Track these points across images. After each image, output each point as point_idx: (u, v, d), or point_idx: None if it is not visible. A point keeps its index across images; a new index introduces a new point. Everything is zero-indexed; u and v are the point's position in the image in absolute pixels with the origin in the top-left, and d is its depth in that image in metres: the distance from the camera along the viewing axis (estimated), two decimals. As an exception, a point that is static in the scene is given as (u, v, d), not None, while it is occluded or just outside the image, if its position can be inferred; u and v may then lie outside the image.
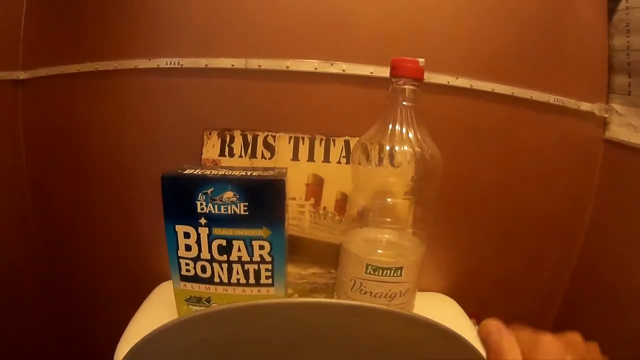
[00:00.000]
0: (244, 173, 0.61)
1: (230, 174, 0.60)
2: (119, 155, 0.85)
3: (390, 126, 0.62)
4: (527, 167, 0.87)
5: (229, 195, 0.59)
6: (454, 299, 0.89)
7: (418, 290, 0.76)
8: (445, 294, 0.90)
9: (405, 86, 0.60)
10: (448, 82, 0.78)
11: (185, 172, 0.61)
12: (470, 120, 0.82)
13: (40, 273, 0.97)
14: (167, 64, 0.78)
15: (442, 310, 0.83)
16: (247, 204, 0.59)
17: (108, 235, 0.91)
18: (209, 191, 0.59)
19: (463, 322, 0.80)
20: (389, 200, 0.66)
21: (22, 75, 0.87)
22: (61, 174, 0.90)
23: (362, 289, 0.64)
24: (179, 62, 0.78)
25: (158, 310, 0.75)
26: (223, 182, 0.59)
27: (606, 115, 0.86)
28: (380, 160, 0.63)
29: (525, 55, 0.82)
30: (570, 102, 0.84)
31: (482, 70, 0.80)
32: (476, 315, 0.87)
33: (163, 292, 0.82)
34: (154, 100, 0.81)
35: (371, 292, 0.64)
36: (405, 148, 0.61)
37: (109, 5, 0.80)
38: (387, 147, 0.62)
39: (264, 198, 0.60)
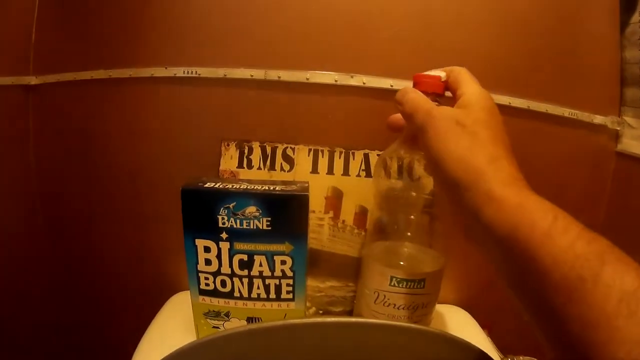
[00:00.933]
0: (267, 187, 0.60)
1: (253, 188, 0.59)
2: (133, 164, 0.85)
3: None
4: (540, 178, 0.85)
5: (251, 210, 0.58)
6: (467, 311, 0.89)
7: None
8: (458, 305, 0.91)
9: None
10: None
11: (206, 185, 0.60)
12: None
13: (51, 282, 0.96)
14: (184, 73, 0.78)
15: (455, 322, 0.83)
16: (270, 218, 0.59)
17: (121, 244, 0.90)
18: (231, 205, 0.58)
19: (476, 332, 0.80)
20: (411, 217, 0.66)
21: (33, 80, 0.86)
22: (72, 181, 0.90)
23: (385, 301, 0.64)
24: (196, 72, 0.77)
25: (173, 323, 0.74)
26: (246, 197, 0.58)
27: (618, 128, 0.86)
28: (400, 174, 0.63)
29: (540, 69, 0.82)
30: (584, 115, 0.85)
31: (499, 84, 0.80)
32: (489, 326, 0.87)
33: (177, 303, 0.82)
34: (170, 109, 0.81)
35: (394, 304, 0.64)
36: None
37: (123, 12, 0.80)
38: (407, 161, 0.62)
39: (287, 213, 0.59)
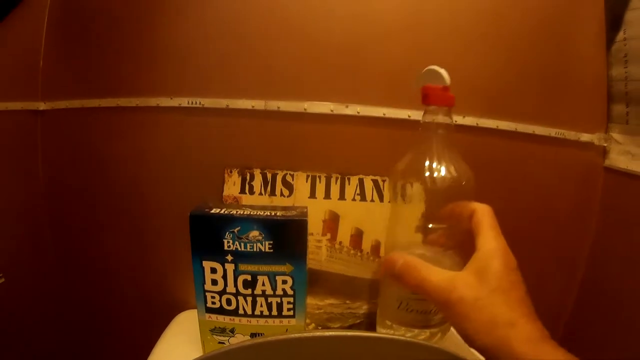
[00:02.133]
0: (268, 213, 0.65)
1: (256, 214, 0.64)
2: (139, 188, 0.89)
3: (424, 157, 0.63)
4: (531, 195, 0.91)
5: (254, 234, 0.63)
6: None
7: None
8: None
9: (439, 115, 0.62)
10: (456, 121, 0.82)
11: (212, 210, 0.64)
12: (475, 155, 0.86)
13: (58, 301, 1.00)
14: (188, 103, 0.82)
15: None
16: (272, 242, 0.63)
17: (128, 265, 0.94)
18: (235, 230, 0.63)
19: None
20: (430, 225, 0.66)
21: (42, 106, 0.90)
22: (80, 204, 0.94)
23: (408, 308, 0.65)
24: (200, 102, 0.82)
25: (180, 339, 0.78)
26: (249, 222, 0.63)
27: (605, 145, 0.90)
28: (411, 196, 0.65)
29: (528, 91, 0.86)
30: (571, 134, 0.89)
31: (488, 109, 0.84)
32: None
33: (183, 321, 0.86)
34: (175, 136, 0.85)
35: (417, 310, 0.65)
36: (443, 172, 0.62)
37: (129, 42, 0.85)
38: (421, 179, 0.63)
39: (287, 236, 0.63)
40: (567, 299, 0.99)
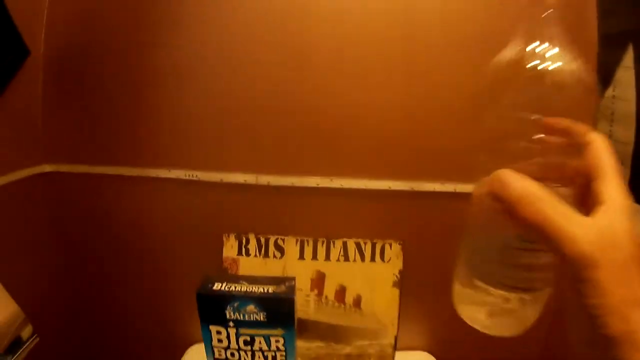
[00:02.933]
0: (262, 289, 0.79)
1: (251, 291, 0.78)
2: (146, 246, 1.00)
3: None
4: None
5: (251, 308, 0.77)
6: (433, 356, 1.04)
7: (400, 349, 0.95)
8: (425, 351, 1.05)
9: None
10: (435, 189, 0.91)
11: (215, 287, 0.79)
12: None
13: (77, 343, 1.11)
14: (185, 176, 0.93)
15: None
16: (265, 313, 0.78)
17: (141, 311, 1.07)
18: (235, 305, 0.77)
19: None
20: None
21: (47, 168, 0.96)
22: (92, 259, 1.04)
23: (514, 260, 0.41)
24: (196, 175, 0.92)
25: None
26: (246, 299, 0.77)
27: None
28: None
29: None
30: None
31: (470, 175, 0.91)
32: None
33: (194, 354, 1.01)
34: (175, 205, 0.96)
35: (524, 265, 0.41)
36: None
37: (128, 113, 0.93)
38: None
39: (278, 309, 0.78)
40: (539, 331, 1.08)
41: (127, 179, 0.95)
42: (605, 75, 0.82)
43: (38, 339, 0.81)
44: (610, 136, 0.82)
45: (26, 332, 0.79)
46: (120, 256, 1.03)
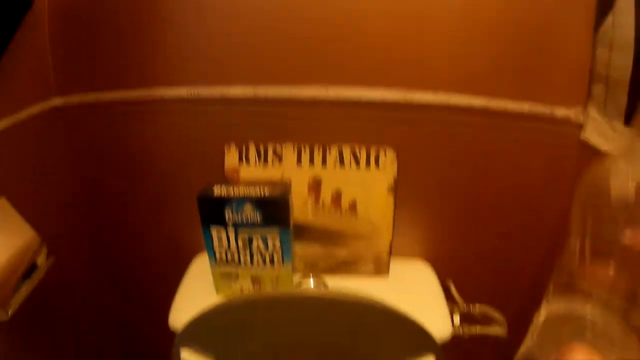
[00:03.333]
0: (258, 191, 0.82)
1: (248, 194, 0.81)
2: (154, 165, 1.04)
3: None
4: (504, 165, 0.98)
5: (248, 208, 0.81)
6: (429, 263, 1.09)
7: (395, 256, 0.99)
8: (420, 257, 1.10)
9: None
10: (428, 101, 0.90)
11: (215, 191, 0.83)
12: (446, 129, 0.94)
13: (94, 255, 1.18)
14: (187, 94, 0.93)
15: (415, 277, 1.06)
16: (261, 214, 0.82)
17: (152, 224, 1.13)
18: (233, 206, 0.81)
19: (433, 288, 1.02)
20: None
21: (57, 101, 0.97)
22: (106, 184, 1.09)
23: None
24: (197, 92, 0.93)
25: (200, 281, 0.98)
26: (243, 201, 0.81)
27: (582, 122, 0.89)
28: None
29: (505, 66, 0.89)
30: (547, 108, 0.89)
31: (459, 84, 0.89)
32: (452, 278, 1.10)
33: (201, 262, 1.06)
34: (180, 122, 0.98)
35: None
36: None
37: (132, 39, 0.93)
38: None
39: (273, 209, 0.82)
40: (533, 259, 1.10)
41: (135, 103, 0.97)
42: (603, 3, 0.81)
43: (53, 258, 0.86)
44: (608, 63, 0.81)
45: (42, 255, 0.83)
46: (130, 180, 1.07)
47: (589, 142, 0.87)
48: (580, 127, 0.90)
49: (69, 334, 1.08)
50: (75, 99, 0.98)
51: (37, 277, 0.80)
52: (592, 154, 0.86)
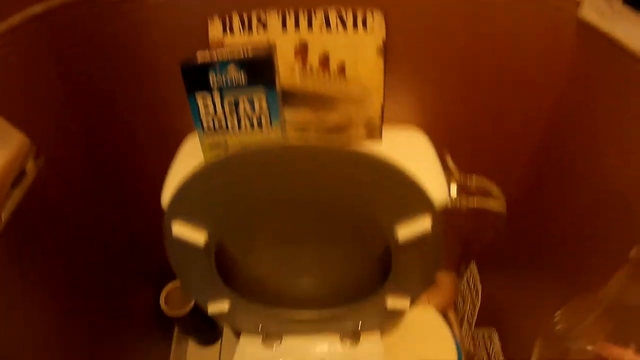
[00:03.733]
0: (242, 53, 0.80)
1: (232, 57, 0.80)
2: (140, 58, 1.02)
3: None
4: (501, 38, 0.94)
5: (232, 69, 0.80)
6: (424, 131, 1.08)
7: (389, 123, 0.99)
8: (414, 124, 1.10)
9: None
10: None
11: (198, 58, 0.81)
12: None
13: (88, 151, 1.18)
14: None
15: (409, 143, 1.05)
16: (246, 73, 0.80)
17: (141, 103, 1.12)
18: (216, 69, 0.80)
19: (429, 155, 1.02)
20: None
21: (38, 8, 0.92)
22: (96, 83, 1.07)
23: None
24: None
25: (191, 159, 0.99)
26: (226, 63, 0.79)
27: None
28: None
29: None
30: None
31: None
32: (448, 147, 1.10)
33: (191, 142, 1.07)
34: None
35: None
36: None
37: None
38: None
39: (258, 68, 0.81)
40: (531, 152, 1.11)
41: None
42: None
43: (43, 158, 0.85)
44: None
45: (31, 159, 0.81)
46: (119, 74, 1.05)
47: (586, 20, 0.85)
48: (577, 4, 0.86)
49: (68, 231, 1.10)
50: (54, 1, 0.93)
51: (27, 180, 0.80)
52: (590, 32, 0.84)
